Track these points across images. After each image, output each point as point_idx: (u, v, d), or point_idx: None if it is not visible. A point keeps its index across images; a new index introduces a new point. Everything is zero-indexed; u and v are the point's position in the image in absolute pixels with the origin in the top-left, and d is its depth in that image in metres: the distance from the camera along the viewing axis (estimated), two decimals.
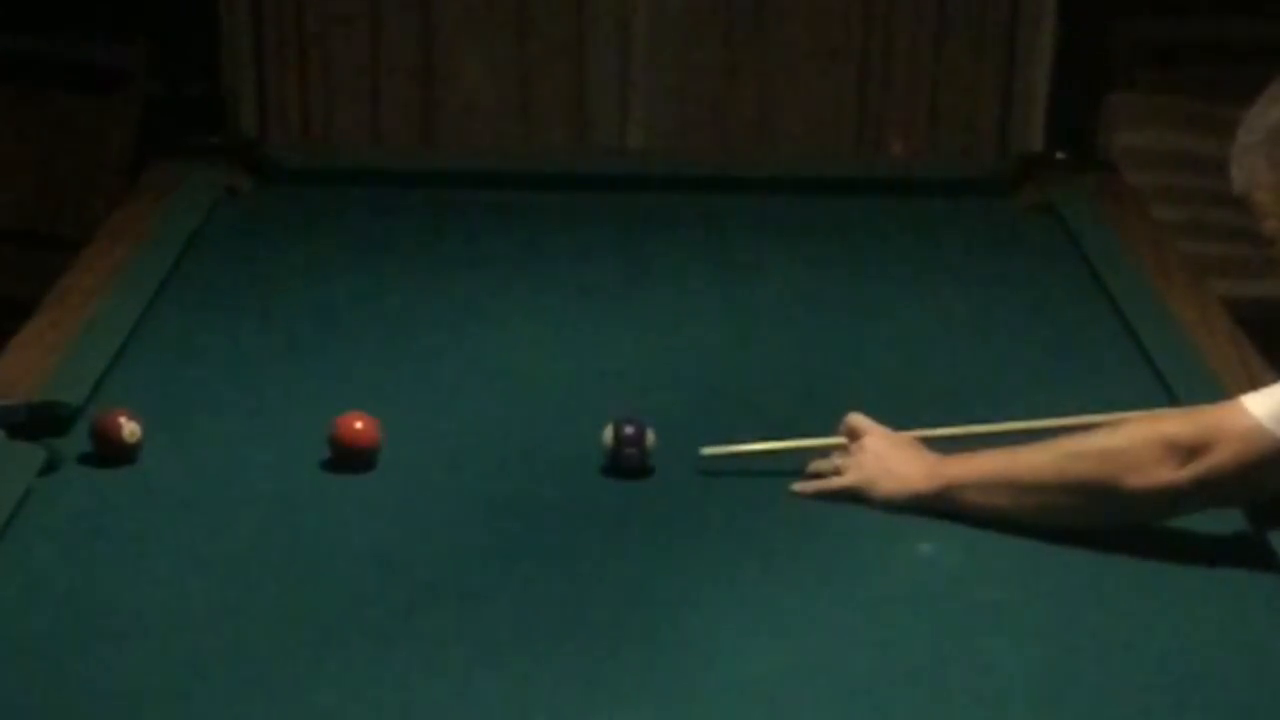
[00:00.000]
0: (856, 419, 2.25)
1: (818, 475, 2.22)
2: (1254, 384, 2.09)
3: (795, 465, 2.25)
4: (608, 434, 2.24)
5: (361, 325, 2.74)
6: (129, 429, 2.22)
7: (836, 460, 2.22)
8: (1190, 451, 2.00)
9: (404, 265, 2.99)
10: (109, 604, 1.94)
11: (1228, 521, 2.11)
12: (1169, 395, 2.39)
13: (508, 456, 2.31)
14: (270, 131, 4.43)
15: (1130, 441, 2.04)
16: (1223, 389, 2.27)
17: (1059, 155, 3.47)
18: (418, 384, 2.54)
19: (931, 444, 2.23)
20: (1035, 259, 3.07)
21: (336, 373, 2.57)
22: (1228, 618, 1.95)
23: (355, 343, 2.68)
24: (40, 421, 2.25)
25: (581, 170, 3.44)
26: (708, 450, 2.25)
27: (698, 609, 1.96)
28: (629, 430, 2.23)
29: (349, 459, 2.24)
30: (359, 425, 2.25)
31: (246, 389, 2.50)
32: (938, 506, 2.13)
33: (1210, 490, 2.02)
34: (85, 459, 2.23)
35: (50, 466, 2.19)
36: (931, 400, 2.44)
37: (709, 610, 1.96)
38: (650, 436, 2.24)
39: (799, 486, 2.21)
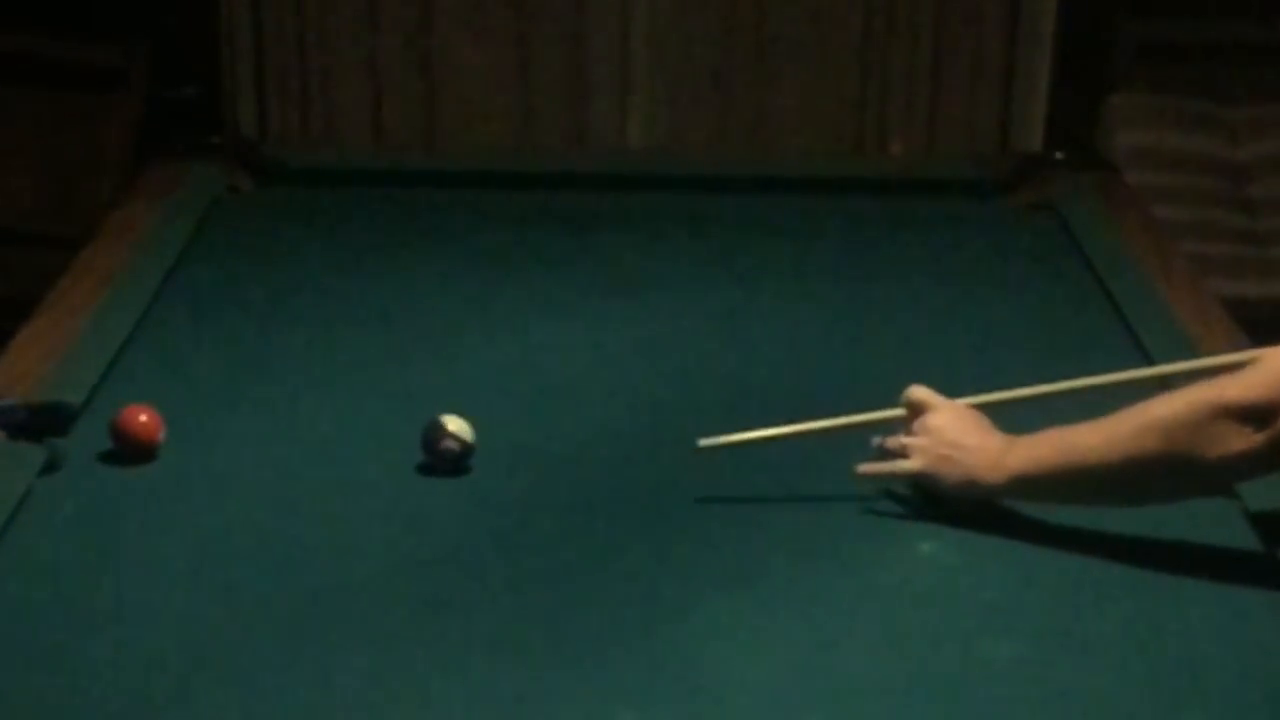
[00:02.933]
0: (919, 392, 2.19)
1: (884, 454, 2.17)
2: None
3: (794, 466, 2.25)
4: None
5: (360, 325, 2.75)
6: None
7: (903, 439, 2.17)
8: (1261, 417, 1.95)
9: (403, 265, 2.99)
10: (109, 604, 1.95)
11: (1228, 522, 2.11)
12: None
13: (504, 454, 2.30)
14: (270, 131, 4.44)
15: (1196, 413, 1.98)
16: None
17: (1059, 155, 3.47)
18: (417, 383, 2.54)
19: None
20: (1035, 259, 3.07)
21: (335, 372, 2.57)
22: (1228, 618, 1.95)
23: (354, 342, 2.68)
24: (40, 421, 2.25)
25: (581, 170, 3.45)
26: (704, 442, 2.22)
27: (697, 609, 1.96)
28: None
29: (132, 450, 2.24)
30: (143, 418, 2.24)
31: (247, 389, 2.50)
32: (1005, 497, 2.10)
33: None
34: (85, 458, 2.23)
35: (50, 466, 2.20)
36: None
37: (708, 611, 1.96)
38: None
39: (865, 468, 2.17)
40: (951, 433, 2.14)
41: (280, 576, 2.02)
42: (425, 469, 2.25)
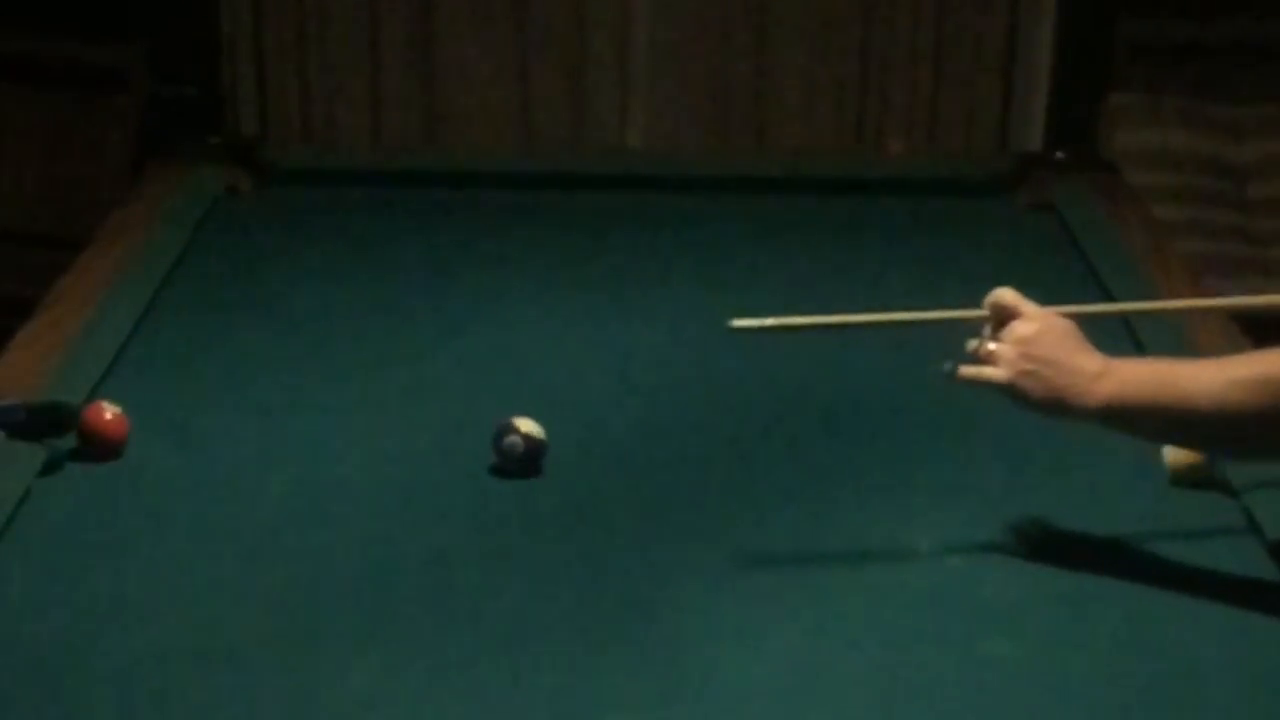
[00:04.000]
0: (1006, 295, 2.04)
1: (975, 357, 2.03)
2: None
3: (794, 466, 2.24)
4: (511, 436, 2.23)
5: (360, 325, 2.75)
6: None
7: (990, 345, 2.01)
8: None
9: (403, 265, 3.00)
10: (109, 604, 1.95)
11: (1230, 527, 2.11)
12: None
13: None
14: (270, 131, 4.44)
15: None
16: None
17: (1059, 155, 3.47)
18: (416, 382, 2.54)
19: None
20: (1035, 259, 3.07)
21: (335, 372, 2.57)
22: (1229, 622, 1.95)
23: (354, 342, 2.68)
24: (40, 422, 2.25)
25: (581, 170, 3.45)
26: (738, 322, 2.08)
27: (696, 610, 1.96)
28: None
29: (97, 448, 2.24)
30: (108, 416, 2.25)
31: (246, 389, 2.50)
32: (1094, 424, 1.99)
33: None
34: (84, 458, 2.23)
35: (50, 466, 2.20)
36: (932, 401, 2.44)
37: (709, 610, 1.96)
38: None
39: (959, 370, 2.03)
40: (1042, 346, 1.99)
41: (281, 574, 2.02)
42: (424, 468, 2.25)
